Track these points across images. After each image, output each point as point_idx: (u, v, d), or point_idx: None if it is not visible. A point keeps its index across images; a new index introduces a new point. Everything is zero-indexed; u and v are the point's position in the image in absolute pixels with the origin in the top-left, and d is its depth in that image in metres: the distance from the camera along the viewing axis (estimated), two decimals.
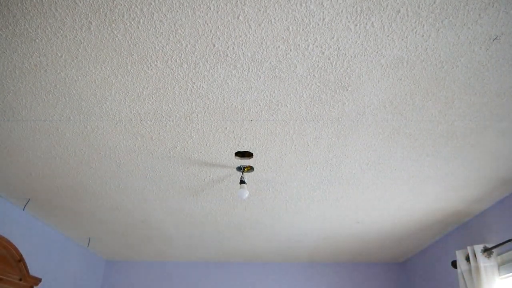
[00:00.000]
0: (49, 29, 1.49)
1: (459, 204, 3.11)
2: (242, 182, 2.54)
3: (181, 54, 1.61)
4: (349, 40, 1.52)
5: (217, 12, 1.41)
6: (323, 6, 1.37)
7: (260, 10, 1.40)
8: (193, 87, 1.81)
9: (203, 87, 1.81)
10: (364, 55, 1.60)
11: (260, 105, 1.93)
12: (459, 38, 1.51)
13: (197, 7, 1.39)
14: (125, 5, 1.39)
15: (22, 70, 1.73)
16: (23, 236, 3.37)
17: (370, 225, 3.61)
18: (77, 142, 2.29)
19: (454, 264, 3.43)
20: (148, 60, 1.65)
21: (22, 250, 3.24)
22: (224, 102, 1.91)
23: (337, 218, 3.46)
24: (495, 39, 1.51)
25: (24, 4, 1.39)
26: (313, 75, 1.72)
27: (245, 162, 2.49)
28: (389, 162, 2.45)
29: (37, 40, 1.55)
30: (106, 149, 2.36)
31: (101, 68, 1.70)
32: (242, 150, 2.35)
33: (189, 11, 1.41)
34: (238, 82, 1.77)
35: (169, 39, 1.53)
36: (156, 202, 3.15)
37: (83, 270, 4.43)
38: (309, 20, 1.44)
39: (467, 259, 3.13)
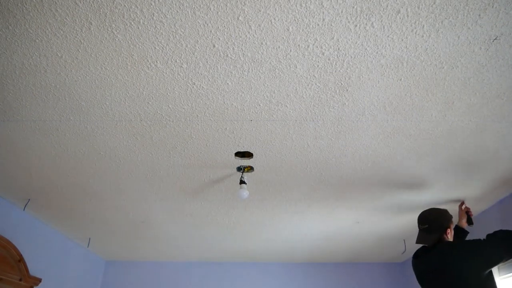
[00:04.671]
0: (49, 29, 1.49)
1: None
2: (242, 182, 2.54)
3: (181, 54, 1.61)
4: (349, 40, 1.52)
5: (217, 12, 1.41)
6: (323, 6, 1.37)
7: (260, 11, 1.40)
8: (193, 87, 1.81)
9: (203, 87, 1.81)
10: (364, 55, 1.60)
11: (260, 105, 1.93)
12: (459, 38, 1.51)
13: (197, 7, 1.39)
14: (125, 5, 1.39)
15: (22, 70, 1.73)
16: (23, 236, 3.37)
17: (370, 225, 3.61)
18: (77, 142, 2.29)
19: None
20: (148, 60, 1.65)
21: (22, 250, 3.24)
22: (224, 102, 1.91)
23: (337, 218, 3.46)
24: (495, 39, 1.51)
25: (24, 5, 1.39)
26: (313, 75, 1.72)
27: (245, 162, 2.49)
28: (389, 162, 2.45)
29: (37, 40, 1.55)
30: (106, 149, 2.36)
31: (101, 68, 1.70)
32: (242, 150, 2.35)
33: (189, 11, 1.41)
34: (238, 82, 1.77)
35: (169, 39, 1.53)
36: (156, 202, 3.15)
37: (83, 270, 4.43)
38: (309, 20, 1.44)
39: None
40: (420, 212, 2.42)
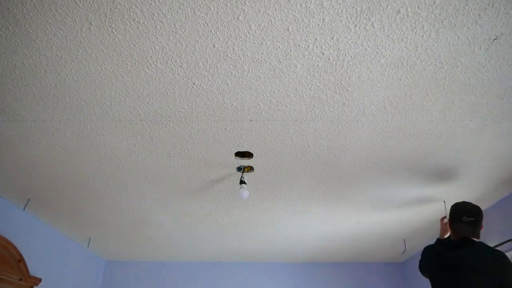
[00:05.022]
0: (49, 29, 1.49)
1: None
2: (242, 182, 2.54)
3: (181, 54, 1.61)
4: (349, 40, 1.52)
5: (217, 12, 1.41)
6: (323, 6, 1.37)
7: (260, 10, 1.40)
8: (193, 87, 1.81)
9: (203, 87, 1.81)
10: (364, 55, 1.60)
11: (260, 105, 1.93)
12: (459, 38, 1.51)
13: (197, 7, 1.39)
14: (125, 5, 1.39)
15: (22, 70, 1.73)
16: (23, 236, 3.37)
17: (370, 225, 3.61)
18: (77, 142, 2.29)
19: None
20: (148, 60, 1.65)
21: (22, 250, 3.24)
22: (224, 102, 1.91)
23: (337, 218, 3.46)
24: (495, 39, 1.51)
25: (24, 4, 1.39)
26: (313, 75, 1.72)
27: (245, 162, 2.49)
28: (389, 162, 2.45)
29: (37, 40, 1.55)
30: (106, 149, 2.36)
31: (101, 68, 1.70)
32: (242, 150, 2.35)
33: (189, 11, 1.41)
34: (238, 82, 1.77)
35: (169, 39, 1.53)
36: (156, 202, 3.15)
37: (83, 270, 4.42)
38: (309, 20, 1.44)
39: None
40: (456, 203, 2.34)
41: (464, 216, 2.27)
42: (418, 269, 2.47)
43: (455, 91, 1.81)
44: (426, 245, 2.52)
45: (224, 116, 2.02)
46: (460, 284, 2.16)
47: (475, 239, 2.23)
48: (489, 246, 2.21)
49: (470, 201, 2.95)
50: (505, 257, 2.16)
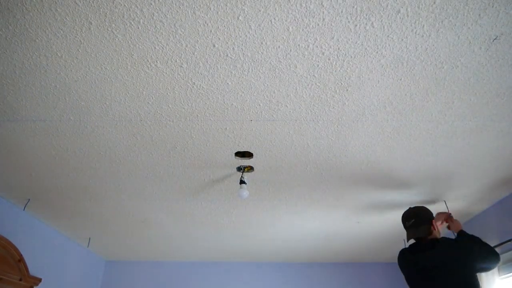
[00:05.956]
0: (49, 29, 1.49)
1: (459, 204, 3.11)
2: (242, 182, 2.54)
3: (181, 54, 1.61)
4: (349, 40, 1.52)
5: (217, 12, 1.41)
6: (323, 6, 1.37)
7: (260, 10, 1.40)
8: (193, 87, 1.81)
9: (203, 87, 1.81)
10: (364, 55, 1.60)
11: (260, 105, 1.93)
12: (459, 38, 1.51)
13: (197, 7, 1.39)
14: (125, 5, 1.39)
15: (22, 70, 1.73)
16: (23, 236, 3.37)
17: (370, 225, 3.61)
18: (77, 142, 2.29)
19: None
20: (148, 60, 1.65)
21: (22, 250, 3.24)
22: (224, 102, 1.91)
23: (337, 218, 3.46)
24: (495, 39, 1.51)
25: (24, 4, 1.39)
26: (313, 75, 1.72)
27: (245, 162, 2.49)
28: (388, 162, 2.45)
29: (37, 40, 1.55)
30: (106, 149, 2.36)
31: (101, 68, 1.70)
32: (242, 150, 2.35)
33: (189, 11, 1.41)
34: (238, 82, 1.77)
35: (169, 39, 1.53)
36: (156, 202, 3.15)
37: (83, 270, 4.42)
38: (309, 20, 1.44)
39: None
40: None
41: (406, 222, 2.52)
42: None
43: (455, 91, 1.81)
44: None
45: (224, 116, 2.02)
46: (436, 285, 2.30)
47: (438, 238, 2.39)
48: (450, 239, 2.38)
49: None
50: (467, 243, 2.34)
